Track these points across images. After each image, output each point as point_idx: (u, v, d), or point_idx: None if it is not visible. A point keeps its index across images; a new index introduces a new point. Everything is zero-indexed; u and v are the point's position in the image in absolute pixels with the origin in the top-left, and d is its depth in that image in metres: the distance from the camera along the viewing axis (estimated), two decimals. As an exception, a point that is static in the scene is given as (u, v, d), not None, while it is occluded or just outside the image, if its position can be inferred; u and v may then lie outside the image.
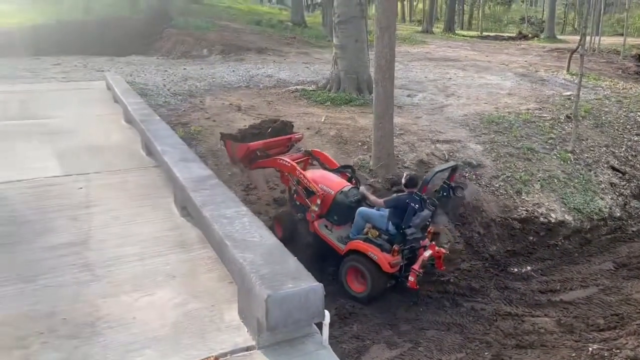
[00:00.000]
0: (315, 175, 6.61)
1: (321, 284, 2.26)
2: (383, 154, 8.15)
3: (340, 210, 6.32)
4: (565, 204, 8.33)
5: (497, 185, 8.35)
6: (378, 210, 6.22)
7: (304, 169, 6.86)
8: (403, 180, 6.06)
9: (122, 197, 4.24)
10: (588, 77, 14.23)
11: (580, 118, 10.36)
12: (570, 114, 10.33)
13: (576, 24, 36.79)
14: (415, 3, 48.26)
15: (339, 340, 5.42)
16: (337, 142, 9.03)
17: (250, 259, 2.46)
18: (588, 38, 19.48)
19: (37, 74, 13.94)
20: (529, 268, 7.28)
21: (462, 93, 12.19)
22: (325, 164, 7.07)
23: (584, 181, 8.89)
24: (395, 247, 5.83)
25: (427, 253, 6.09)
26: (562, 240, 7.89)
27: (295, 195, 6.78)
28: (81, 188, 4.42)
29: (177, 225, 3.69)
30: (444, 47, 21.57)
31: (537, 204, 8.20)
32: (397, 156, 8.56)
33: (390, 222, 5.97)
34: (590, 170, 9.23)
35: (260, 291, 2.20)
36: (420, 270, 5.98)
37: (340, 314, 5.84)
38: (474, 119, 10.26)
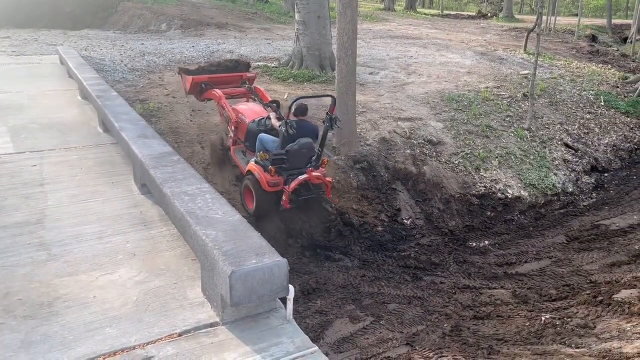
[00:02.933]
0: (241, 106, 7.14)
1: (285, 260, 2.27)
2: (345, 131, 8.15)
3: (252, 138, 6.78)
4: (522, 180, 8.58)
5: (456, 162, 8.52)
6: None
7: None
8: (292, 109, 6.37)
9: (79, 174, 4.12)
10: (544, 56, 14.58)
11: (536, 96, 10.63)
12: (527, 92, 10.58)
13: (533, 4, 37.47)
14: (377, -20, 48.08)
15: (303, 315, 5.48)
16: (300, 120, 8.99)
17: (213, 236, 2.44)
18: (544, 18, 19.92)
19: (-16, 47, 13.27)
20: (486, 242, 7.49)
21: (423, 71, 12.29)
22: (262, 100, 7.45)
23: (539, 158, 9.16)
24: (271, 167, 6.19)
25: (302, 177, 6.33)
26: (518, 215, 8.15)
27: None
28: (35, 166, 4.27)
29: (137, 203, 3.62)
30: (405, 25, 21.62)
31: (495, 180, 8.42)
32: (360, 134, 8.60)
33: (277, 147, 6.37)
34: (545, 147, 9.52)
35: (223, 267, 2.20)
36: (290, 191, 6.28)
37: (303, 290, 5.89)
38: (435, 96, 10.38)
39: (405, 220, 7.69)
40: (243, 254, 2.29)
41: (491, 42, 17.35)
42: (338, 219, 7.48)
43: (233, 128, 6.97)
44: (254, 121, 6.83)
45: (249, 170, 6.52)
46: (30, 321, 2.34)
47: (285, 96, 9.87)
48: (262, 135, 6.61)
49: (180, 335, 2.26)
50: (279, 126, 6.24)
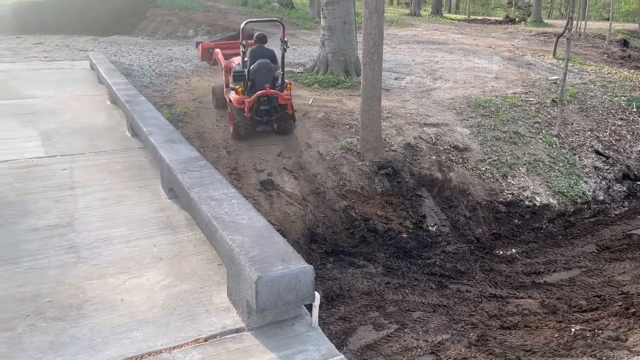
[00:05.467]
0: (234, 58, 8.38)
1: (311, 266, 2.26)
2: (370, 137, 8.12)
3: (237, 77, 7.86)
4: (550, 188, 8.41)
5: (483, 168, 8.40)
6: None
7: None
8: (254, 38, 7.83)
9: (108, 178, 4.19)
10: (574, 61, 14.30)
11: (566, 102, 10.42)
12: (556, 98, 10.38)
13: (563, 8, 36.86)
14: (403, -15, 47.93)
15: (326, 322, 5.45)
16: (325, 125, 8.99)
17: (240, 241, 2.44)
18: (574, 22, 19.55)
19: (18, 53, 13.65)
20: (513, 251, 7.36)
21: (449, 76, 12.17)
22: None
23: (568, 165, 8.97)
24: (238, 87, 7.57)
25: (261, 92, 7.49)
26: (547, 224, 7.98)
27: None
28: (65, 169, 4.36)
29: (164, 207, 3.65)
30: (431, 30, 21.48)
31: (523, 187, 8.27)
32: (385, 139, 8.55)
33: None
34: (574, 154, 9.32)
35: (249, 273, 2.19)
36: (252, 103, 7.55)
37: (327, 296, 5.87)
38: (461, 102, 10.26)
39: (430, 227, 7.61)
40: (269, 260, 2.28)
41: (519, 47, 17.10)
42: (362, 225, 7.46)
43: (225, 73, 8.56)
44: (239, 65, 8.05)
45: (229, 99, 7.96)
46: (60, 323, 2.37)
47: (310, 101, 9.89)
48: (236, 67, 7.96)
49: (206, 340, 2.26)
50: (241, 50, 7.74)
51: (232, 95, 7.74)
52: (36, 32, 18.09)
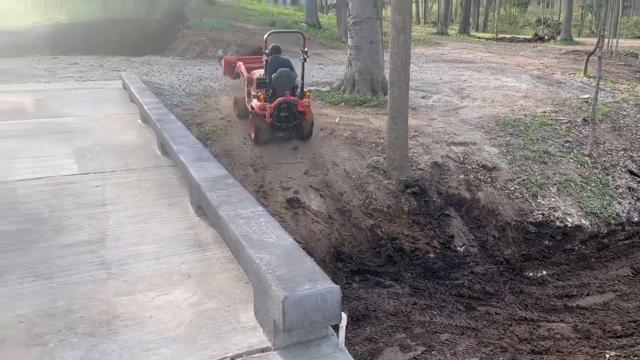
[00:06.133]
0: (255, 71, 8.76)
1: (338, 286, 2.25)
2: (397, 155, 8.10)
3: (260, 85, 8.30)
4: (582, 208, 8.22)
5: (512, 188, 8.27)
6: None
7: None
8: (269, 49, 8.25)
9: (138, 196, 4.26)
10: (606, 80, 14.04)
11: (598, 121, 10.21)
12: (588, 117, 10.19)
13: (593, 26, 36.37)
14: (430, 4, 48.06)
15: (352, 342, 5.40)
16: (351, 144, 9.01)
17: (267, 260, 2.45)
18: (606, 40, 19.25)
19: (55, 73, 14.10)
20: (544, 272, 7.19)
21: (477, 95, 12.09)
22: None
23: (601, 185, 8.76)
24: (260, 94, 8.05)
25: (282, 98, 7.95)
26: (579, 245, 7.78)
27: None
28: (97, 186, 4.46)
29: (193, 225, 3.69)
30: (458, 49, 21.43)
31: (553, 207, 8.11)
32: (412, 158, 8.52)
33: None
34: (607, 174, 9.10)
35: (277, 292, 2.19)
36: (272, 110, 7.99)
37: (353, 316, 5.82)
38: (489, 121, 10.16)
39: (458, 248, 7.51)
40: (296, 279, 2.28)
41: (549, 65, 16.91)
42: (389, 244, 7.40)
43: (246, 83, 8.93)
44: (259, 76, 8.46)
45: (251, 106, 8.39)
46: (90, 339, 2.41)
47: (337, 120, 9.93)
48: (257, 77, 8.39)
49: (232, 359, 2.26)
50: (264, 59, 8.22)
51: (254, 103, 8.14)
52: (72, 53, 18.70)
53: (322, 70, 15.11)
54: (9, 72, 14.03)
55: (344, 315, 2.26)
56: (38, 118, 7.28)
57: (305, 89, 8.40)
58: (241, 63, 9.47)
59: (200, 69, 15.07)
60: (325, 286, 2.23)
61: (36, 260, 3.15)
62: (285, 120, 8.18)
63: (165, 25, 20.50)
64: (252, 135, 8.53)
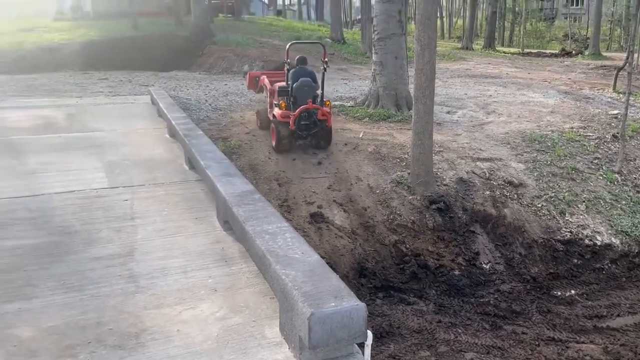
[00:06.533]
0: (277, 83, 9.07)
1: (364, 304, 2.25)
2: (422, 171, 8.08)
3: (282, 93, 8.73)
4: (612, 227, 8.04)
5: (539, 205, 8.15)
6: None
7: None
8: (295, 60, 8.80)
9: (166, 210, 4.34)
10: (635, 95, 13.77)
11: (628, 138, 10.02)
12: (617, 133, 10.01)
13: (622, 40, 35.77)
14: (454, 19, 47.98)
15: (375, 359, 5.35)
16: (375, 159, 9.01)
17: (293, 276, 2.47)
18: (635, 55, 18.91)
19: (85, 88, 14.49)
20: (573, 292, 7.04)
21: (503, 110, 11.99)
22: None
23: (632, 203, 8.56)
24: (281, 102, 8.42)
25: (304, 106, 8.28)
26: (609, 264, 7.60)
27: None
28: (126, 200, 4.55)
29: (219, 239, 3.74)
30: (484, 64, 21.32)
31: (582, 225, 7.95)
32: (436, 173, 8.47)
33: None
34: (638, 192, 8.89)
35: (303, 309, 2.20)
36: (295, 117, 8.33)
37: (376, 333, 5.77)
38: (516, 136, 10.06)
39: (484, 265, 7.42)
40: (322, 296, 2.29)
41: (576, 80, 16.69)
42: (413, 260, 7.35)
43: (269, 95, 9.31)
44: (281, 85, 8.90)
45: (273, 114, 8.74)
46: (119, 351, 2.45)
47: (361, 135, 9.96)
48: (279, 85, 8.84)
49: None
50: (286, 69, 8.67)
51: (276, 111, 8.53)
52: (102, 68, 19.18)
53: (346, 85, 15.19)
54: (43, 87, 14.47)
55: (369, 334, 2.25)
56: (70, 132, 7.48)
57: (330, 104, 8.74)
58: (265, 76, 9.88)
59: (226, 84, 15.31)
60: (351, 304, 2.23)
61: (67, 272, 3.22)
62: (306, 129, 8.51)
63: (192, 42, 20.89)
64: (273, 143, 8.85)
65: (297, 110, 8.29)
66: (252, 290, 3.00)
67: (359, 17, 32.74)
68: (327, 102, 8.77)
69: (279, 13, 46.14)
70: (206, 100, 12.58)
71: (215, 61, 19.09)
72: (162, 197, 4.65)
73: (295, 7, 53.35)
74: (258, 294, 2.96)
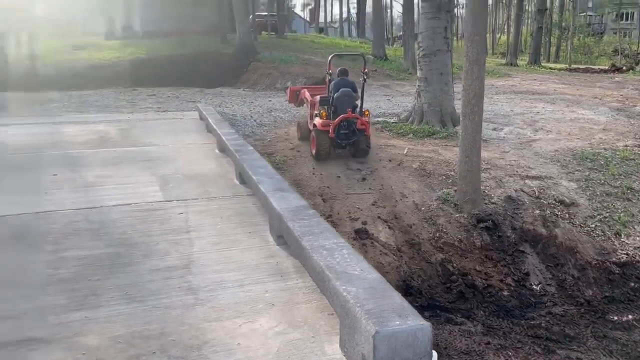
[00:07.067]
0: (317, 96, 9.35)
1: (429, 324, 2.22)
2: (469, 188, 7.95)
3: (323, 103, 9.08)
4: (672, 249, 7.68)
5: (592, 225, 7.87)
6: None
7: None
8: (337, 71, 9.08)
9: (219, 223, 4.41)
10: (693, 112, 13.23)
11: (686, 156, 9.61)
12: (675, 151, 9.62)
13: (676, 55, 34.42)
14: (498, 35, 47.36)
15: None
16: (421, 175, 8.93)
17: (354, 293, 2.46)
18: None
19: (135, 104, 15.01)
20: (630, 317, 6.74)
21: (551, 127, 11.71)
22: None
23: (692, 225, 8.17)
24: (322, 111, 8.72)
25: (344, 115, 8.59)
26: (668, 289, 7.25)
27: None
28: (181, 214, 4.66)
29: (273, 254, 3.77)
30: (529, 80, 20.93)
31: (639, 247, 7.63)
32: (484, 191, 8.32)
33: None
34: (699, 213, 8.48)
35: (367, 326, 2.19)
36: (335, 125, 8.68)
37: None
38: (566, 154, 9.79)
39: (534, 286, 7.20)
40: (385, 314, 2.27)
41: (629, 97, 16.15)
42: (460, 280, 7.20)
43: (309, 107, 9.68)
44: (322, 95, 9.27)
45: (313, 124, 9.05)
46: (182, 362, 2.49)
47: (405, 151, 9.91)
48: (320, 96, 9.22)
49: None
50: (327, 79, 9.10)
51: (317, 120, 8.81)
52: (150, 85, 19.82)
53: (389, 102, 15.19)
54: (95, 103, 15.07)
55: (434, 354, 2.23)
56: (123, 147, 7.74)
57: (369, 114, 9.03)
58: (305, 90, 10.35)
59: (270, 101, 15.55)
60: (416, 323, 2.21)
61: (129, 283, 3.31)
62: (345, 137, 8.81)
63: (237, 59, 21.38)
64: (313, 152, 9.16)
65: (337, 119, 8.58)
66: (310, 305, 3.01)
67: (400, 33, 32.76)
68: (366, 112, 9.02)
69: (320, 30, 46.70)
70: (251, 117, 12.81)
71: (259, 78, 19.45)
72: (215, 211, 4.74)
73: (337, 25, 53.92)
74: (315, 309, 2.96)
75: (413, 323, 2.21)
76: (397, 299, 2.43)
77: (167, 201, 5.02)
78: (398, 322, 2.21)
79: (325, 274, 2.73)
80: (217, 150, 7.25)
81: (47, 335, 2.72)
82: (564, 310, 6.79)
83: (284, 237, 3.78)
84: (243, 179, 5.43)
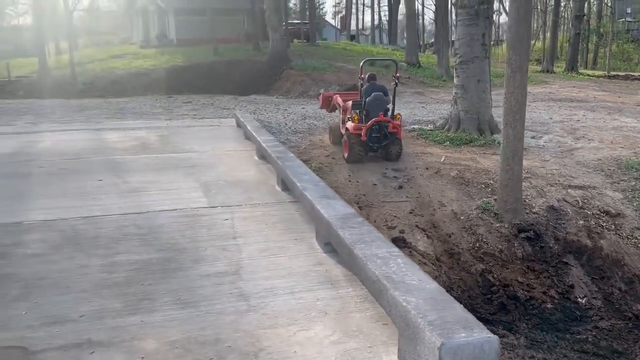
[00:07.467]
0: (349, 102, 9.47)
1: (496, 337, 2.16)
2: (510, 198, 7.78)
3: (355, 107, 9.26)
4: None
5: (640, 237, 7.61)
6: None
7: None
8: (367, 77, 9.27)
9: (265, 230, 4.42)
10: None
11: None
12: None
13: None
14: (533, 42, 46.54)
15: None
16: (459, 184, 8.80)
17: (414, 303, 2.42)
18: None
19: (171, 111, 15.26)
20: (683, 333, 6.47)
21: (593, 136, 11.41)
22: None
23: None
24: (354, 115, 8.92)
25: (376, 118, 8.71)
26: None
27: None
28: (227, 220, 4.68)
29: (321, 261, 3.75)
30: (568, 87, 20.49)
31: (691, 261, 7.33)
32: (525, 201, 8.14)
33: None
34: None
35: (431, 338, 2.15)
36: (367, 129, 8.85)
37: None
38: (610, 163, 9.52)
39: (579, 299, 6.99)
40: (449, 326, 2.22)
41: (673, 104, 15.65)
42: (501, 291, 7.05)
43: (342, 111, 9.85)
44: (354, 101, 9.39)
45: (345, 127, 9.21)
46: (240, 369, 2.49)
47: (442, 159, 9.79)
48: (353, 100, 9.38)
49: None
50: (359, 83, 9.35)
51: (349, 124, 8.99)
52: (185, 92, 20.15)
53: (423, 109, 15.06)
54: (133, 110, 15.40)
55: (501, 368, 2.16)
56: (164, 153, 7.85)
57: (400, 118, 9.19)
58: (337, 95, 10.56)
59: (303, 108, 15.60)
60: (482, 335, 2.15)
61: (181, 288, 3.34)
62: (377, 141, 8.94)
63: (270, 66, 21.57)
64: (345, 155, 9.30)
65: (369, 122, 8.72)
66: (363, 315, 2.97)
67: (432, 40, 32.53)
68: (398, 116, 9.18)
69: (352, 38, 46.78)
70: (285, 124, 12.87)
71: (292, 85, 19.56)
72: (260, 217, 4.76)
73: (368, 32, 53.92)
74: (369, 319, 2.92)
75: (479, 335, 2.15)
76: (460, 310, 2.38)
77: (211, 207, 5.06)
78: (464, 334, 2.15)
79: (381, 283, 2.69)
80: (256, 157, 7.29)
81: (105, 339, 2.76)
82: (611, 325, 6.57)
83: (331, 245, 3.76)
84: (285, 185, 5.44)
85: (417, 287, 2.60)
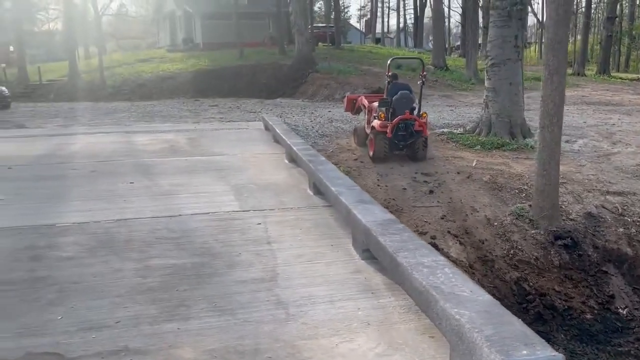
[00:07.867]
0: (374, 102, 9.54)
1: (562, 355, 2.00)
2: (547, 203, 7.54)
3: (382, 105, 9.25)
4: None
5: (684, 246, 7.29)
6: None
7: None
8: (389, 77, 9.40)
9: (299, 235, 4.31)
10: None
11: None
12: None
13: None
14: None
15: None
16: (492, 189, 8.58)
17: (468, 316, 2.27)
18: None
19: (198, 114, 15.32)
20: None
21: (630, 140, 11.04)
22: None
23: None
24: (381, 113, 8.96)
25: (402, 116, 8.79)
26: None
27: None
28: (259, 224, 4.59)
29: (359, 268, 3.63)
30: (601, 91, 19.97)
31: None
32: (561, 207, 7.88)
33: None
34: None
35: (489, 355, 2.00)
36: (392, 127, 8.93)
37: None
38: (650, 169, 9.18)
39: (620, 310, 6.72)
40: (508, 342, 2.07)
41: None
42: (537, 300, 6.81)
43: (367, 112, 9.91)
44: (380, 99, 9.38)
45: (371, 126, 9.21)
46: (282, 381, 2.38)
47: (474, 163, 9.58)
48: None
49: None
50: (386, 81, 9.42)
51: (375, 122, 9.03)
52: (211, 95, 20.25)
53: (452, 112, 14.83)
54: (160, 113, 15.51)
55: (566, 389, 2.00)
56: (194, 156, 7.83)
57: (426, 116, 9.17)
58: (363, 97, 10.64)
59: (329, 111, 15.51)
60: (546, 354, 2.00)
61: (217, 294, 3.25)
62: (402, 139, 8.99)
63: (295, 70, 21.55)
64: (371, 153, 9.39)
65: (395, 120, 8.80)
66: (408, 326, 2.83)
67: (457, 43, 32.13)
68: (424, 114, 9.16)
69: (377, 41, 46.57)
70: (312, 127, 12.78)
71: (317, 89, 19.49)
72: (293, 221, 4.65)
73: (393, 35, 53.64)
74: (414, 331, 2.78)
75: (543, 354, 2.00)
76: (518, 325, 2.22)
77: (243, 211, 4.98)
78: (526, 352, 2.00)
79: (430, 294, 2.55)
80: (286, 161, 7.20)
81: (142, 346, 2.68)
82: (655, 337, 6.29)
83: (370, 252, 3.63)
84: (317, 189, 5.33)
85: (468, 299, 2.45)
